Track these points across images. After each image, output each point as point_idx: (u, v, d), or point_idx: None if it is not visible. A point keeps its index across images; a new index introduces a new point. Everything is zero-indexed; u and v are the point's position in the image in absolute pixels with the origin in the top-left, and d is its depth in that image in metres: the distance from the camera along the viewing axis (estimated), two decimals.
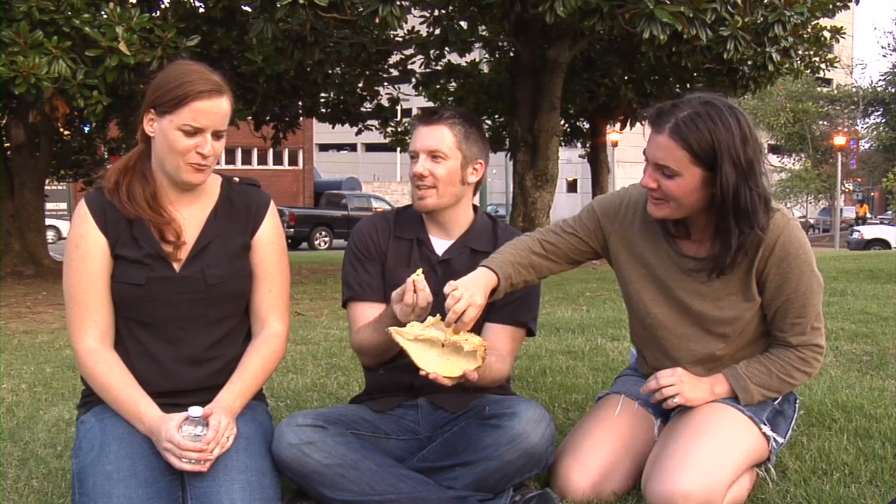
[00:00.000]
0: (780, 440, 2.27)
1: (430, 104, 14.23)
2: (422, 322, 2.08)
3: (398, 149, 15.36)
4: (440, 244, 2.43)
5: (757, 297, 2.19)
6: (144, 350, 2.10)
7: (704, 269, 2.19)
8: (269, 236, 2.23)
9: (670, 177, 2.06)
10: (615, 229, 2.31)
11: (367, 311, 2.33)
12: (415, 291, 2.08)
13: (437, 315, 2.07)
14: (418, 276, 2.08)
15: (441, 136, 2.33)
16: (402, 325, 2.09)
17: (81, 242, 2.09)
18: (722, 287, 2.20)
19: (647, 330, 2.36)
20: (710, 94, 2.10)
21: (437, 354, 2.05)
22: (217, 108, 2.03)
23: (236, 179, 2.27)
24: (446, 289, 2.06)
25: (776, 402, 2.29)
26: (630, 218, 2.30)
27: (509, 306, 2.37)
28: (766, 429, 2.21)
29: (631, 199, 2.32)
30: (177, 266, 2.11)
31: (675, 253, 2.25)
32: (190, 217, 2.15)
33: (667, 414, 2.37)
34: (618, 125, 15.09)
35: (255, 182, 2.31)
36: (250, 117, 11.31)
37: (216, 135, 2.05)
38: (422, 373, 2.03)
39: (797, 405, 2.41)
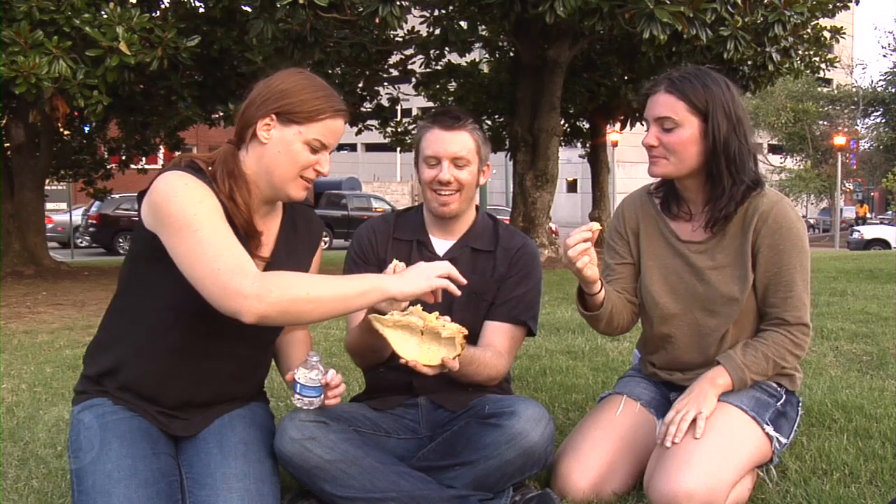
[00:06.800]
0: (784, 441, 2.27)
1: (431, 104, 14.25)
2: (402, 311, 2.06)
3: (398, 149, 15.35)
4: (441, 244, 2.43)
5: (751, 272, 2.26)
6: (194, 363, 2.03)
7: (703, 250, 2.31)
8: (319, 261, 2.28)
9: (670, 130, 2.22)
10: (629, 229, 2.46)
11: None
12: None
13: (419, 304, 2.04)
14: (399, 263, 2.07)
15: (464, 142, 2.33)
16: (383, 313, 2.06)
17: (206, 198, 1.86)
18: (723, 258, 2.29)
19: (655, 328, 2.40)
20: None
21: (417, 343, 2.02)
22: (342, 129, 2.04)
23: None
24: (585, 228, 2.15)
25: (779, 404, 2.30)
26: (633, 218, 2.46)
27: (507, 304, 2.37)
28: (770, 429, 2.21)
29: (626, 204, 2.51)
30: None
31: (676, 239, 2.37)
32: (264, 231, 2.09)
33: None
34: (618, 125, 15.12)
35: (309, 202, 2.28)
36: None
37: None
38: (401, 361, 2.01)
39: (800, 407, 2.41)
